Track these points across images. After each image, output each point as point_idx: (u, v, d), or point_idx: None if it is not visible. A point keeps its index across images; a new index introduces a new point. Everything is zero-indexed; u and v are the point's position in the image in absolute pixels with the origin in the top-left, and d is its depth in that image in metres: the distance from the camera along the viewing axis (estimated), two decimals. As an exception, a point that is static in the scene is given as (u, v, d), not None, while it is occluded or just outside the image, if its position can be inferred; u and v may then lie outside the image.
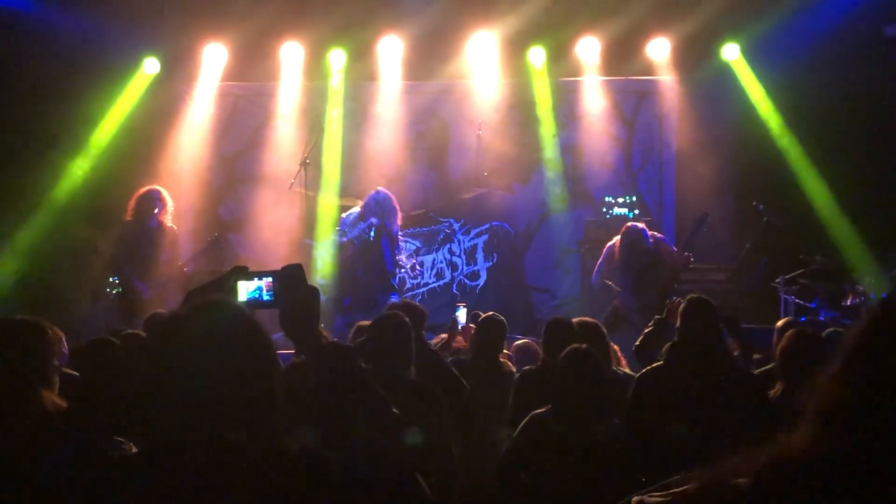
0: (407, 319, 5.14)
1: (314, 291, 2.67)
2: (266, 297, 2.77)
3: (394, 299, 10.72)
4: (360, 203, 10.98)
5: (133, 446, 3.16)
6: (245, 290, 2.79)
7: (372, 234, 10.56)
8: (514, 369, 6.76)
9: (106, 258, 10.59)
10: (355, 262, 10.74)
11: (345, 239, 10.80)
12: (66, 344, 5.91)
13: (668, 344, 5.79)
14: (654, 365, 5.60)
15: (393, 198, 10.82)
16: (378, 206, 10.67)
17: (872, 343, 1.58)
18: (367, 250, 10.63)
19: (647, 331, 6.76)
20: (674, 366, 5.38)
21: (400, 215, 10.91)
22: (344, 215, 11.13)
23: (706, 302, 5.57)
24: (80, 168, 12.26)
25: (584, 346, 5.26)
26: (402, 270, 11.30)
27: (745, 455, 1.64)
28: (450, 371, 5.87)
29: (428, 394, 5.04)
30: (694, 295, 5.74)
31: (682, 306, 5.67)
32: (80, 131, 12.30)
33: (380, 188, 11.01)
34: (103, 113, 12.53)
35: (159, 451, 2.19)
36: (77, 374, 5.14)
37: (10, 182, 11.63)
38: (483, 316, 6.95)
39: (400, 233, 11.09)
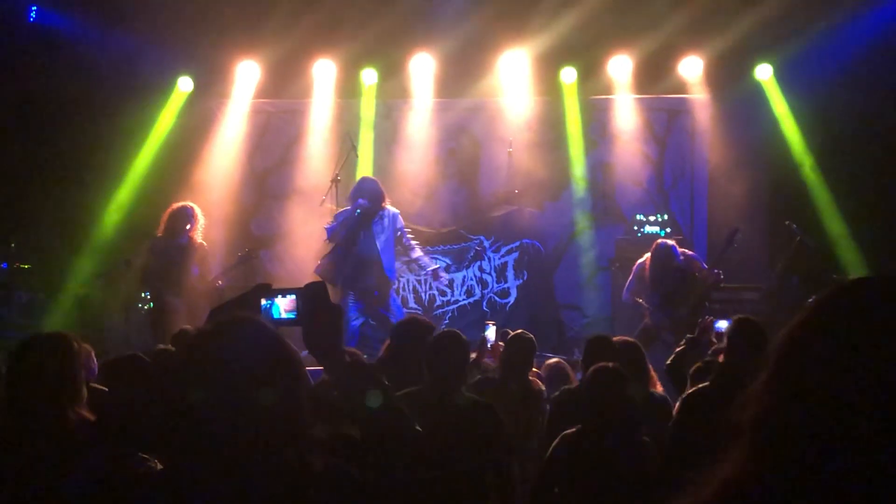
0: (465, 337, 5.16)
1: (337, 309, 2.66)
2: (289, 315, 2.78)
3: (391, 296, 10.75)
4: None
5: (158, 463, 3.17)
6: (268, 307, 2.79)
7: (357, 213, 10.49)
8: (544, 388, 6.73)
9: (138, 273, 10.66)
10: (345, 249, 10.64)
11: (333, 226, 10.70)
12: (94, 358, 5.96)
13: (699, 365, 5.72)
14: (699, 386, 5.48)
15: (378, 183, 10.78)
16: (361, 191, 10.62)
17: (802, 344, 1.50)
18: (355, 235, 10.57)
19: (678, 349, 6.71)
20: (723, 388, 5.19)
21: (388, 201, 10.84)
22: (336, 212, 11.06)
23: (754, 324, 5.42)
24: (115, 186, 12.38)
25: (611, 364, 5.20)
26: (424, 272, 11.26)
27: (700, 480, 1.55)
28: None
29: (485, 409, 5.03)
30: (741, 316, 5.60)
31: (729, 327, 5.57)
32: (115, 150, 12.42)
33: (364, 176, 10.97)
34: (138, 132, 12.65)
35: (184, 469, 2.19)
36: (105, 388, 5.15)
37: (45, 199, 11.75)
38: (512, 334, 6.91)
39: (408, 230, 10.99)
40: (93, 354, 6.15)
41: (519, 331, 6.94)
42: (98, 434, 3.66)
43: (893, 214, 11.37)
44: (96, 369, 5.83)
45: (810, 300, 1.56)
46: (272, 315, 2.76)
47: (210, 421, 2.12)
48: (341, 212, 10.84)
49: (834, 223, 12.00)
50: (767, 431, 1.47)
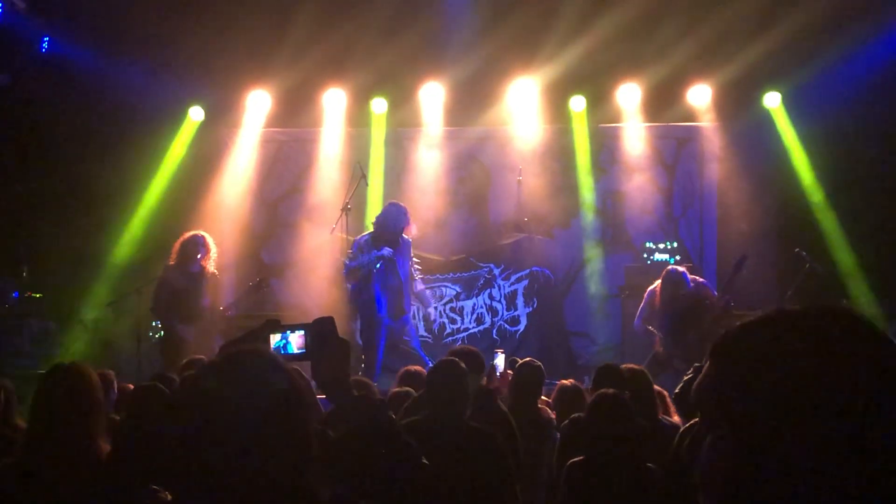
0: (462, 365, 5.16)
1: (345, 345, 2.69)
2: (298, 351, 2.81)
3: (408, 323, 10.78)
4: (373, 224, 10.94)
5: (168, 494, 3.19)
6: (277, 342, 2.82)
7: (378, 266, 10.54)
8: (553, 416, 6.72)
9: (148, 302, 10.69)
10: (363, 285, 10.69)
11: (353, 264, 10.71)
12: (115, 388, 6.00)
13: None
14: (696, 420, 5.49)
15: (407, 212, 10.80)
16: (386, 221, 10.66)
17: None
18: (371, 276, 10.61)
19: (686, 378, 6.70)
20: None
21: (413, 227, 10.89)
22: (358, 237, 11.07)
23: None
24: (127, 215, 12.45)
25: (613, 392, 5.21)
26: (424, 308, 11.32)
27: None
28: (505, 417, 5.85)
29: (486, 437, 5.04)
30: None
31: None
32: (127, 179, 12.49)
33: (393, 202, 11.01)
34: (150, 161, 12.73)
35: (193, 500, 2.20)
36: (118, 418, 5.19)
37: (57, 228, 11.82)
38: (520, 362, 6.92)
39: (416, 260, 11.06)
40: (115, 383, 6.19)
41: (528, 359, 6.95)
42: (112, 465, 3.68)
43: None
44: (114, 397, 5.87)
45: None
46: (286, 351, 2.79)
47: (217, 452, 2.14)
48: (362, 243, 10.78)
49: (842, 253, 12.00)
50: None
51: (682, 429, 5.60)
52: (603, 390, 5.24)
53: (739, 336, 1.57)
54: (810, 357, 1.45)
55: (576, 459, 5.13)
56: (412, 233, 10.85)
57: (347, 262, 10.70)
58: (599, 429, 5.00)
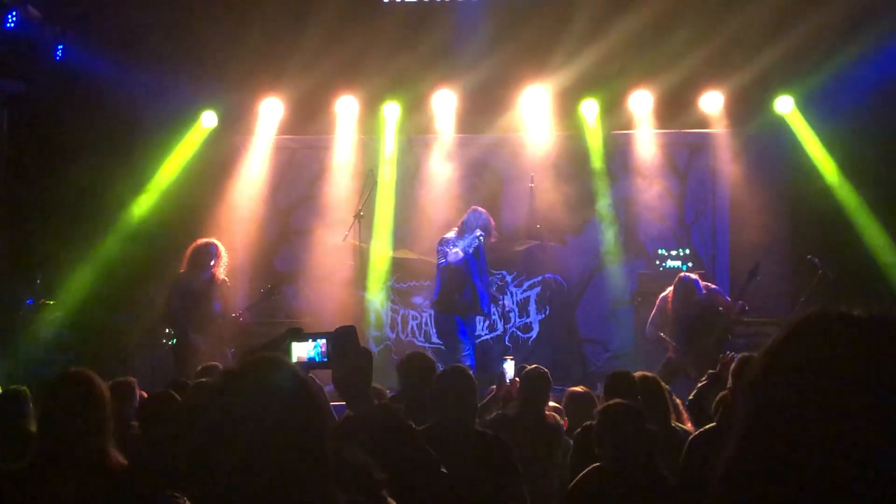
0: (471, 372, 5.19)
1: (367, 353, 2.70)
2: (320, 359, 2.82)
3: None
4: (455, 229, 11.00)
5: (187, 501, 3.20)
6: (299, 351, 2.84)
7: (472, 248, 10.66)
8: (561, 421, 6.72)
9: (161, 309, 10.72)
10: (461, 277, 10.76)
11: (450, 254, 10.78)
12: (137, 394, 6.02)
13: (718, 399, 5.71)
14: (706, 427, 5.49)
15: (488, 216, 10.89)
16: (474, 223, 10.74)
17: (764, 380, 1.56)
18: (470, 265, 10.70)
19: (700, 385, 6.69)
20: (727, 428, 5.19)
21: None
22: (445, 235, 11.06)
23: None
24: (139, 222, 12.46)
25: (621, 401, 5.18)
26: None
27: None
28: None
29: (495, 443, 5.05)
30: (745, 354, 5.62)
31: (732, 365, 5.57)
32: (139, 186, 12.52)
33: (475, 207, 11.05)
34: (163, 167, 12.75)
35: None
36: (139, 425, 5.22)
37: (70, 235, 11.86)
38: (527, 369, 6.91)
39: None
40: (136, 388, 6.20)
41: (534, 365, 6.94)
42: (130, 473, 3.69)
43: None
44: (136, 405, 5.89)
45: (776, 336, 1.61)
46: (313, 358, 2.81)
47: (233, 460, 2.15)
48: (450, 237, 10.87)
49: (860, 254, 11.92)
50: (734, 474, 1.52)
51: (692, 436, 5.60)
52: (614, 400, 5.22)
53: (791, 339, 1.56)
54: (865, 364, 1.46)
55: (590, 468, 5.11)
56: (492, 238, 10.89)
57: (444, 258, 10.75)
58: (610, 437, 4.98)
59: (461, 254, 10.58)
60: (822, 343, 1.51)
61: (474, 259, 10.67)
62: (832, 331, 1.53)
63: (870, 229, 12.04)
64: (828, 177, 12.36)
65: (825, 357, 1.49)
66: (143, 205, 12.60)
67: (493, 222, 10.91)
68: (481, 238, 10.60)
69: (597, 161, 13.23)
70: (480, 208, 10.95)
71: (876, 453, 1.41)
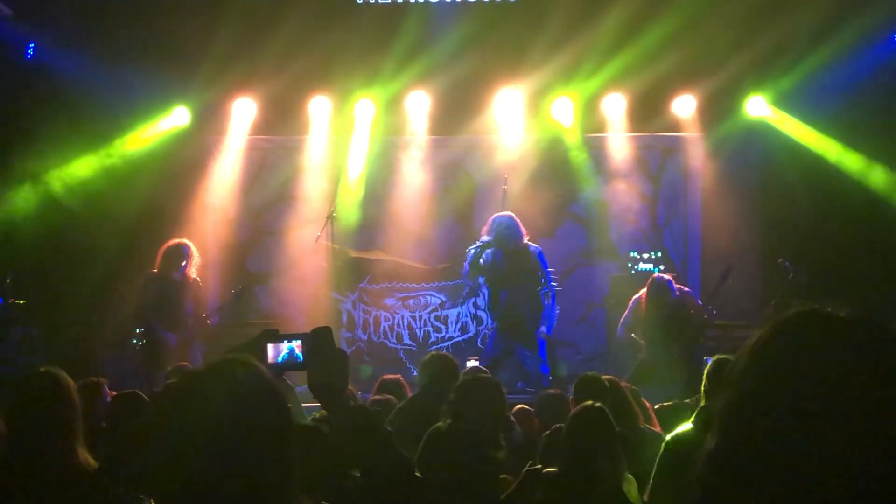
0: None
1: (342, 354, 2.70)
2: (295, 360, 2.81)
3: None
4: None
5: (153, 502, 3.18)
6: (274, 352, 2.83)
7: (472, 253, 10.76)
8: (516, 424, 6.72)
9: (131, 309, 10.67)
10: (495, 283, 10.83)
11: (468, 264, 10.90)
12: (107, 393, 5.98)
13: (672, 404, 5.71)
14: (680, 430, 5.47)
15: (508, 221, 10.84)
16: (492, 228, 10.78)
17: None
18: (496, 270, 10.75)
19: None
20: (703, 431, 5.16)
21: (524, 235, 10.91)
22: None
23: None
24: (110, 221, 12.35)
25: (595, 403, 5.16)
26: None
27: None
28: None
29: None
30: (721, 356, 5.63)
31: (707, 367, 5.58)
32: (110, 185, 12.39)
33: (500, 213, 11.05)
34: (134, 167, 12.62)
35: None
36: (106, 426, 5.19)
37: (40, 235, 11.77)
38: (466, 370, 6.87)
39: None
40: (105, 389, 6.16)
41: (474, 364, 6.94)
42: (98, 473, 3.67)
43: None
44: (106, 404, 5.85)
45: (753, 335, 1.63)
46: (288, 359, 2.80)
47: (199, 461, 2.14)
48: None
49: (831, 256, 11.97)
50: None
51: (670, 436, 5.60)
52: (584, 402, 5.21)
53: (773, 337, 1.58)
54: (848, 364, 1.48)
55: (548, 470, 5.04)
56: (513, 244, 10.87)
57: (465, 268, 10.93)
58: (578, 441, 4.93)
59: (466, 266, 10.72)
60: (804, 341, 1.54)
61: (489, 269, 10.68)
62: (814, 329, 1.55)
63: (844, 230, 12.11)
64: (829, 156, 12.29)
65: (806, 355, 1.51)
66: (114, 204, 12.47)
67: (516, 227, 10.82)
68: (481, 246, 10.64)
69: (570, 164, 13.26)
70: (501, 214, 10.94)
71: (855, 448, 1.43)
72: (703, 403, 5.62)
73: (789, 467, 1.45)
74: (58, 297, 12.02)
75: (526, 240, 10.74)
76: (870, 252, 11.59)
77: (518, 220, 10.75)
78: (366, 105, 13.12)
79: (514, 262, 10.68)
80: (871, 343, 1.51)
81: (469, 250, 10.94)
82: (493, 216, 10.89)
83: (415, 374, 12.45)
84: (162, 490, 2.23)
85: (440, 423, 5.19)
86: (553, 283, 10.94)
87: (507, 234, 10.63)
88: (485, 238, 10.81)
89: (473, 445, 5.10)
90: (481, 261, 10.78)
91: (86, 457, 3.92)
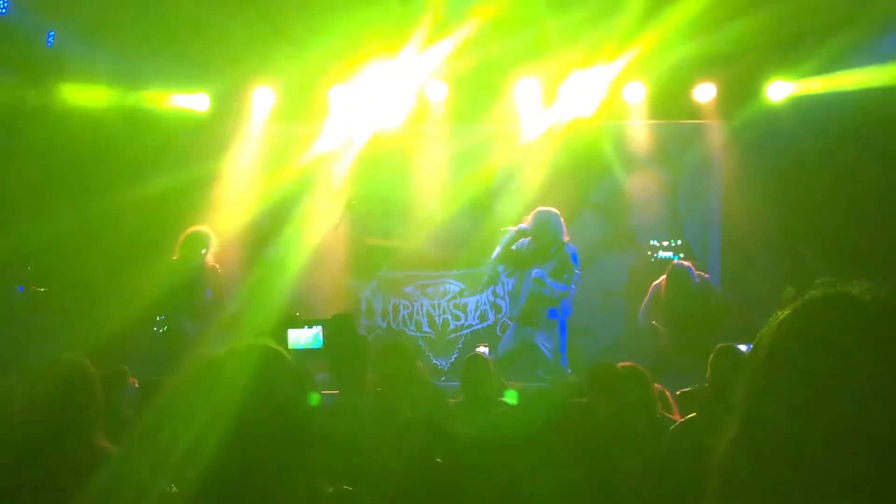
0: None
1: (362, 340, 2.70)
2: (315, 345, 2.82)
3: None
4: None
5: (174, 487, 3.20)
6: (294, 338, 2.84)
7: (507, 239, 10.90)
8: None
9: (151, 296, 10.71)
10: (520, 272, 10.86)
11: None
12: (133, 381, 6.01)
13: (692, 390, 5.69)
14: (687, 417, 5.46)
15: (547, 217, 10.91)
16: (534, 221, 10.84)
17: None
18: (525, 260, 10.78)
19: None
20: (710, 418, 5.15)
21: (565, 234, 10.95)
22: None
23: (738, 352, 5.42)
24: (129, 208, 12.37)
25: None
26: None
27: None
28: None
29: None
30: (723, 345, 5.62)
31: (711, 356, 5.57)
32: (130, 172, 12.41)
33: (547, 208, 11.09)
34: (154, 153, 12.62)
35: (198, 490, 2.21)
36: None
37: (60, 221, 11.81)
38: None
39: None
40: (128, 376, 6.19)
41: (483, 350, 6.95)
42: (119, 460, 3.68)
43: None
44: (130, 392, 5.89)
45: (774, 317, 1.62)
46: (308, 345, 2.82)
47: (221, 445, 2.15)
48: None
49: (852, 244, 11.90)
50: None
51: (674, 425, 5.59)
52: (597, 393, 5.21)
53: (795, 321, 1.57)
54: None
55: None
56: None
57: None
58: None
59: (498, 248, 10.81)
60: (826, 324, 1.52)
61: (519, 258, 10.73)
62: (836, 312, 1.53)
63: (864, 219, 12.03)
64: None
65: (829, 338, 1.50)
66: (134, 191, 12.48)
67: (559, 225, 10.87)
68: (516, 233, 10.69)
69: (589, 152, 13.22)
70: (546, 208, 10.99)
71: (878, 432, 1.42)
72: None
73: (815, 455, 1.44)
74: (78, 285, 12.06)
75: (566, 240, 10.76)
76: (894, 239, 11.52)
77: (562, 219, 10.79)
78: (384, 92, 13.06)
79: (545, 257, 10.69)
80: (891, 323, 1.50)
81: (503, 235, 10.96)
82: (539, 209, 10.90)
83: (434, 362, 12.53)
84: (185, 474, 2.24)
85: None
86: (573, 286, 10.95)
87: (548, 230, 10.66)
88: (523, 225, 10.83)
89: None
90: (513, 247, 10.83)
91: (105, 444, 3.94)
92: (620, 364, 6.54)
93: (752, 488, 1.49)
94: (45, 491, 3.72)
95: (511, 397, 5.97)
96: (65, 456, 3.81)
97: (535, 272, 10.57)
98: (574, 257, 10.71)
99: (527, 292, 10.75)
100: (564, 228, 10.73)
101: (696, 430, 5.07)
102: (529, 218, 10.85)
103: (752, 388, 1.56)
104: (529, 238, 10.72)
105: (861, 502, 1.40)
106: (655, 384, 6.63)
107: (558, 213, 10.85)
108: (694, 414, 5.34)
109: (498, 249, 11.04)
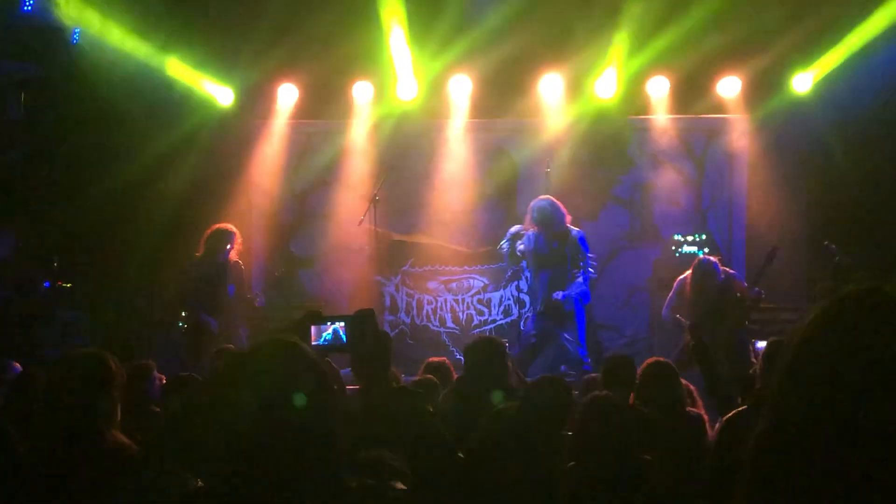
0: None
1: (385, 337, 2.70)
2: (338, 342, 2.83)
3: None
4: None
5: (199, 481, 3.21)
6: (318, 334, 2.84)
7: (506, 248, 10.92)
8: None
9: (175, 292, 10.75)
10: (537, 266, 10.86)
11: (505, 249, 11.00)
12: (159, 376, 6.04)
13: (737, 383, 5.67)
14: (738, 409, 5.45)
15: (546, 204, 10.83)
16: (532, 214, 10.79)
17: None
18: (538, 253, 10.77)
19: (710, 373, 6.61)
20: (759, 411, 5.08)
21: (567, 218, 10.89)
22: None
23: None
24: (154, 206, 12.42)
25: (605, 392, 5.07)
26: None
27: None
28: None
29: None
30: (775, 338, 5.62)
31: (763, 349, 5.56)
32: (155, 169, 12.43)
33: (540, 197, 11.05)
34: (178, 151, 12.65)
35: (222, 488, 2.22)
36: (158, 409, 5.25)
37: (86, 217, 11.88)
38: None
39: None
40: (154, 371, 6.22)
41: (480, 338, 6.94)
42: (143, 454, 3.69)
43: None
44: (157, 387, 5.91)
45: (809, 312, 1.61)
46: (331, 341, 2.82)
47: (246, 440, 2.15)
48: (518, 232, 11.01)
49: (878, 239, 11.82)
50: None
51: (726, 417, 5.58)
52: (612, 386, 5.20)
53: (826, 318, 1.56)
54: None
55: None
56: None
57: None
58: (592, 435, 4.78)
59: (505, 257, 10.79)
60: (857, 322, 1.51)
61: (530, 254, 10.73)
62: (871, 310, 1.52)
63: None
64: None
65: (859, 335, 1.48)
66: (158, 188, 12.53)
67: (557, 209, 10.81)
68: (512, 237, 10.70)
69: (613, 146, 13.19)
70: (539, 198, 10.95)
71: None
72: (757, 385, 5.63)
73: (844, 450, 1.43)
74: (104, 281, 12.13)
75: (568, 223, 10.71)
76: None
77: (559, 203, 10.72)
78: (407, 88, 13.07)
79: (556, 246, 10.65)
80: None
81: (501, 246, 10.98)
82: (532, 202, 10.87)
83: (458, 357, 12.52)
84: (209, 468, 2.25)
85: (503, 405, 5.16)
86: (591, 270, 10.90)
87: (548, 217, 10.61)
88: (514, 229, 10.81)
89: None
90: (518, 250, 10.81)
91: (122, 438, 3.94)
92: (648, 360, 6.51)
93: (777, 483, 1.48)
94: (58, 487, 3.74)
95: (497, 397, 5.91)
96: (81, 450, 3.83)
97: (555, 295, 10.55)
98: (582, 241, 10.67)
99: (546, 285, 10.73)
100: (564, 210, 10.69)
101: (748, 423, 5.01)
102: (528, 216, 10.82)
103: (783, 383, 1.55)
104: (534, 233, 10.68)
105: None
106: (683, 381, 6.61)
107: (552, 198, 10.83)
108: (745, 407, 5.35)
109: (505, 258, 11.05)
